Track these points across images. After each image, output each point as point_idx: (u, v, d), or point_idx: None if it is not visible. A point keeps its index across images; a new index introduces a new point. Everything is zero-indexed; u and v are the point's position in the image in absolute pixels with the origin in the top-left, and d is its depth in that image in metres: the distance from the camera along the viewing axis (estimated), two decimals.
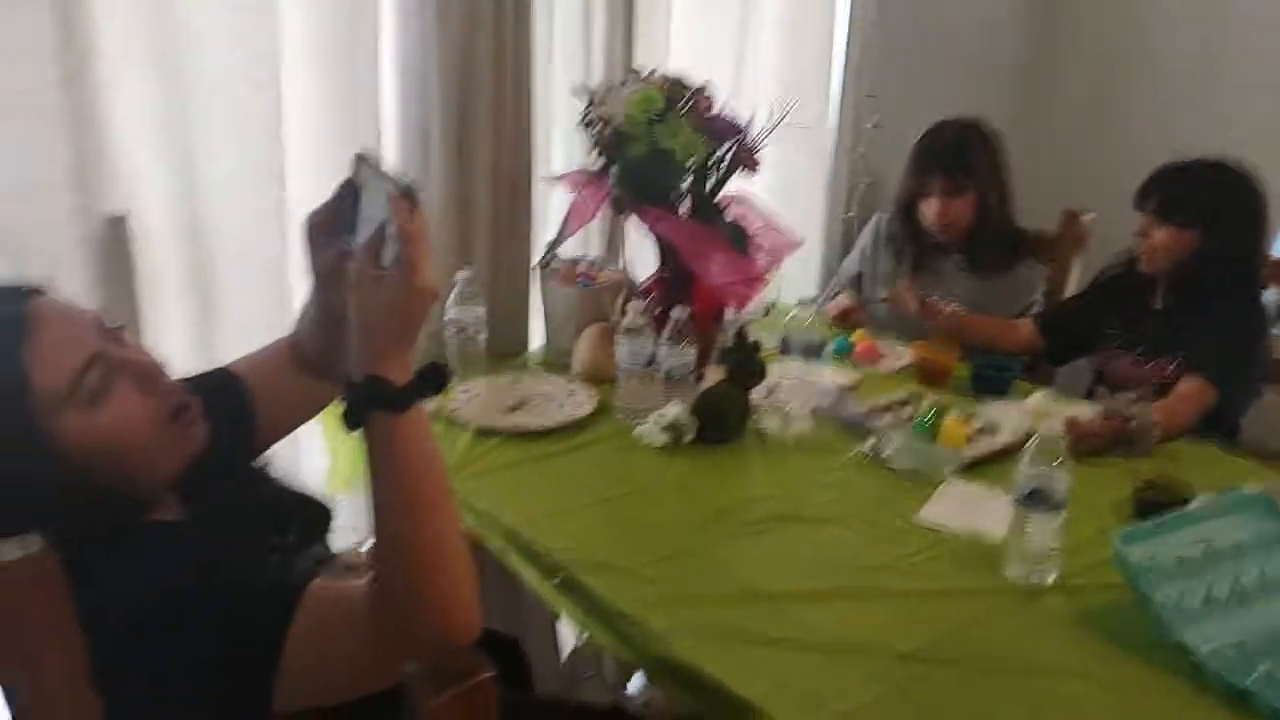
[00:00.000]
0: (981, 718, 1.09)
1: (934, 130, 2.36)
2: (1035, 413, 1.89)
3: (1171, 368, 2.02)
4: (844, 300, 2.43)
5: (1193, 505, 1.44)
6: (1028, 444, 1.36)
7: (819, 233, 2.60)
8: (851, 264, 2.55)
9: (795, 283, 2.44)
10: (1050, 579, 1.35)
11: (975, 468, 1.68)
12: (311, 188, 1.73)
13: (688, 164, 1.81)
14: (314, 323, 1.13)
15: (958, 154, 2.32)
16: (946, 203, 2.31)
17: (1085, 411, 1.81)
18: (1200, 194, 2.01)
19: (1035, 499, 1.33)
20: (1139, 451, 1.76)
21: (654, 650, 1.21)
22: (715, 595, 1.29)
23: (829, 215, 2.60)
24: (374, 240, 0.93)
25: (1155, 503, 1.47)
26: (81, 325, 0.93)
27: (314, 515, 1.14)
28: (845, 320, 2.35)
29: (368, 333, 0.92)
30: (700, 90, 1.84)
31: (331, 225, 1.06)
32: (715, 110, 1.85)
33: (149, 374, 0.95)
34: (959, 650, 1.21)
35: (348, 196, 1.03)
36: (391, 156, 1.86)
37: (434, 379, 0.94)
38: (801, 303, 1.90)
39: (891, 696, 1.12)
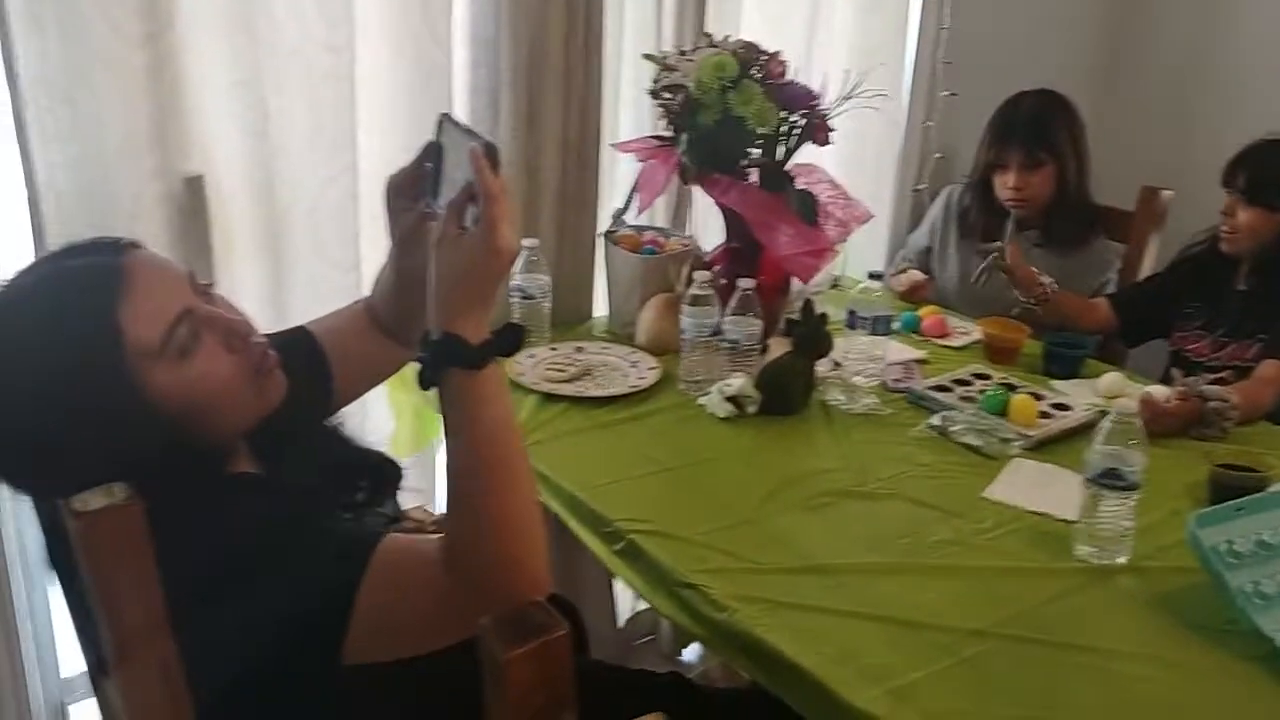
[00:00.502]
0: (1046, 695, 1.08)
1: (1012, 101, 2.30)
2: (1108, 393, 1.86)
3: (1253, 350, 1.97)
4: (914, 275, 2.39)
5: (1272, 489, 1.40)
6: (1101, 422, 1.33)
7: (888, 205, 2.56)
8: (920, 238, 2.51)
9: (863, 255, 2.41)
10: (1122, 559, 1.33)
11: (1044, 447, 1.65)
12: (381, 152, 1.75)
13: (759, 132, 1.80)
14: (390, 286, 1.15)
15: (1037, 126, 2.26)
16: (1023, 176, 2.26)
17: (1161, 391, 1.76)
18: None
19: (1109, 478, 1.30)
20: (1215, 434, 1.71)
21: (714, 618, 1.21)
22: (777, 566, 1.29)
23: (899, 187, 2.56)
24: (460, 199, 0.94)
25: (1232, 486, 1.43)
26: (174, 281, 0.95)
27: (384, 474, 1.16)
28: (914, 295, 2.32)
29: (447, 291, 0.92)
30: (774, 56, 1.82)
31: (413, 188, 1.07)
32: (788, 78, 1.83)
33: (236, 330, 0.98)
34: (1025, 628, 1.19)
35: (430, 158, 1.04)
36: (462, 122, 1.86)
37: (510, 338, 0.94)
38: (870, 275, 1.86)
39: (955, 670, 1.10)
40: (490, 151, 0.92)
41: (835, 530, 1.40)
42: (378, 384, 1.25)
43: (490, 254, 0.91)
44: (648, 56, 1.86)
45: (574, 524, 1.46)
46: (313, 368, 1.15)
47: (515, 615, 0.70)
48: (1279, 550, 1.25)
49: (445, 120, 1.01)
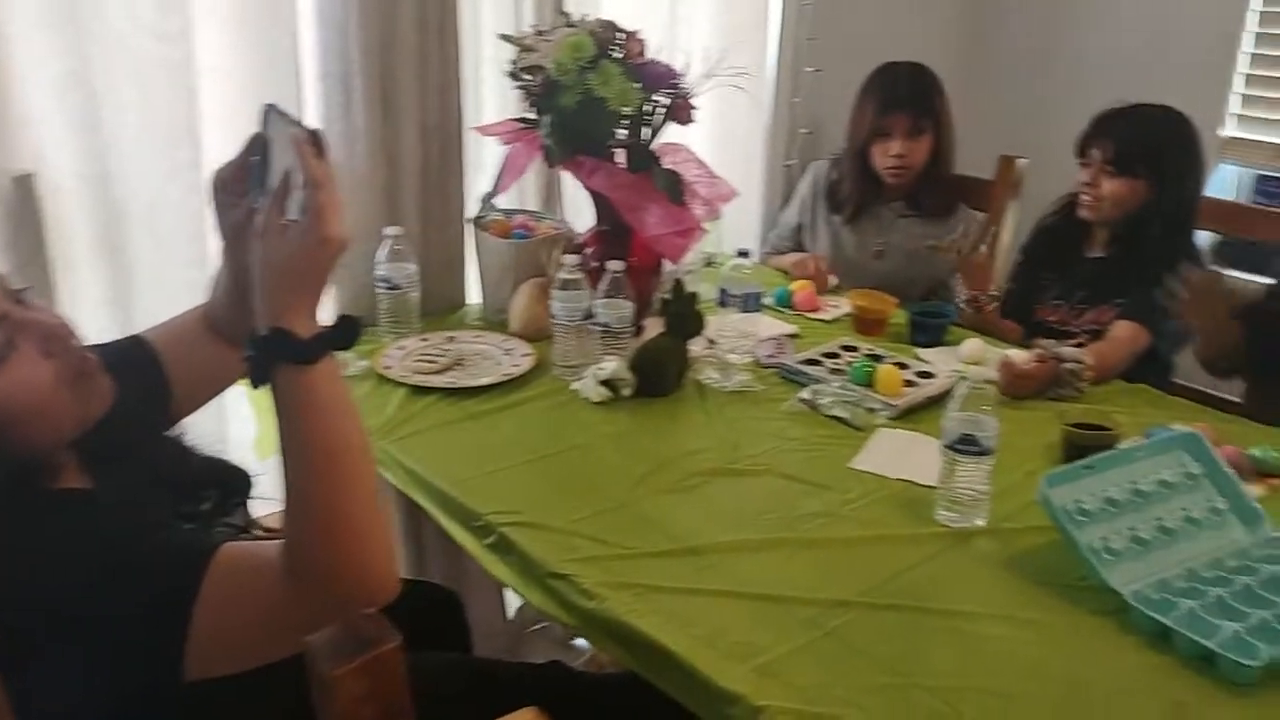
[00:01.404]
0: (907, 660, 1.10)
1: (886, 71, 2.33)
2: (969, 359, 1.91)
3: (1111, 315, 2.03)
4: (806, 259, 2.36)
5: (1121, 447, 1.45)
6: (955, 390, 1.36)
7: (759, 182, 2.58)
8: (791, 214, 2.54)
9: (737, 233, 2.42)
10: (980, 522, 1.36)
11: (910, 415, 1.69)
12: (227, 144, 1.67)
13: (622, 113, 1.78)
14: (226, 288, 1.10)
15: (920, 94, 2.30)
16: (907, 144, 2.29)
17: (1019, 355, 1.82)
18: (1154, 145, 2.01)
19: (964, 444, 1.34)
20: (1071, 394, 1.78)
21: (585, 608, 1.20)
22: (648, 550, 1.28)
23: (769, 164, 2.58)
24: (280, 188, 0.90)
25: (1084, 445, 1.49)
26: None
27: (231, 482, 1.12)
28: (811, 277, 2.26)
29: (273, 284, 0.89)
30: (633, 35, 1.80)
31: (239, 183, 1.02)
32: (648, 56, 1.82)
33: (53, 334, 0.92)
34: (889, 595, 1.21)
35: (256, 150, 1.00)
36: (313, 110, 1.80)
37: (346, 331, 0.91)
38: (739, 253, 1.87)
39: (820, 643, 1.12)
40: (314, 138, 0.89)
41: (706, 510, 1.40)
42: (221, 391, 1.19)
43: (317, 244, 0.87)
44: (504, 37, 1.82)
45: (444, 520, 1.44)
46: (148, 377, 1.10)
47: (344, 629, 0.68)
48: (1126, 506, 1.30)
49: (270, 111, 0.97)
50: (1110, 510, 1.28)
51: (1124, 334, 1.95)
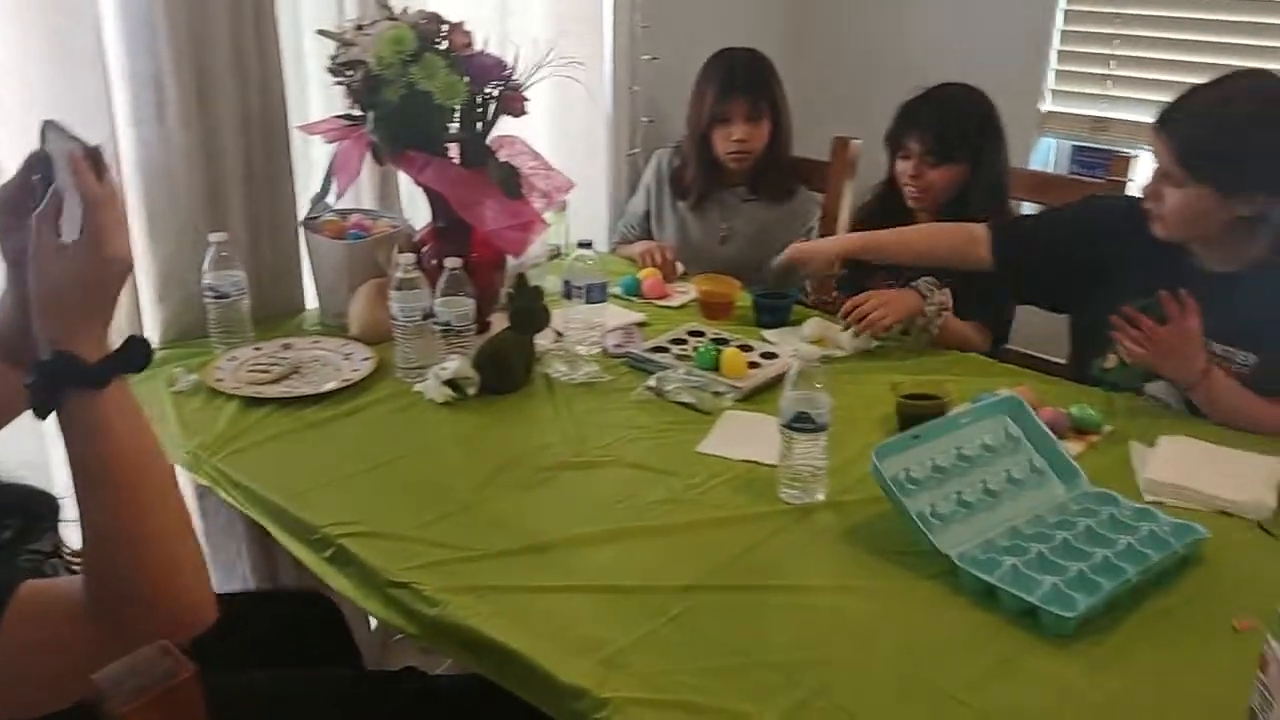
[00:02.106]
0: (748, 639, 1.11)
1: (722, 57, 2.36)
2: (811, 337, 1.95)
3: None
4: (653, 247, 2.36)
5: (950, 414, 1.51)
6: (789, 370, 1.38)
7: (604, 172, 2.57)
8: (638, 203, 2.55)
9: (585, 224, 2.41)
10: (820, 497, 1.39)
11: (756, 396, 1.72)
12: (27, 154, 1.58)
13: (450, 107, 1.75)
14: (11, 313, 1.03)
15: (758, 79, 2.33)
16: (747, 128, 2.32)
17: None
18: (966, 127, 2.09)
19: (800, 422, 1.36)
20: (923, 338, 1.90)
21: (427, 615, 1.17)
22: (493, 551, 1.27)
23: (613, 154, 2.57)
24: (50, 207, 0.85)
25: (916, 415, 1.54)
26: None
27: (36, 508, 1.05)
28: (659, 266, 2.27)
29: (54, 307, 0.84)
30: (457, 27, 1.77)
31: (22, 203, 0.96)
32: (475, 48, 1.79)
33: None
34: (733, 576, 1.23)
35: (38, 169, 0.94)
36: (123, 113, 1.70)
37: (136, 353, 0.87)
38: (580, 244, 1.87)
39: (664, 630, 1.12)
40: (92, 155, 0.85)
41: (552, 505, 1.39)
42: (11, 419, 1.12)
43: (99, 264, 0.83)
44: (322, 32, 1.76)
45: (281, 535, 1.39)
46: None
47: (132, 664, 0.64)
48: (953, 472, 1.35)
49: (48, 127, 0.92)
50: (938, 477, 1.33)
51: (967, 330, 2.02)
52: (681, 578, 1.22)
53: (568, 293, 1.84)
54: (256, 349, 1.80)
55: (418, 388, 1.69)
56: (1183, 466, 1.46)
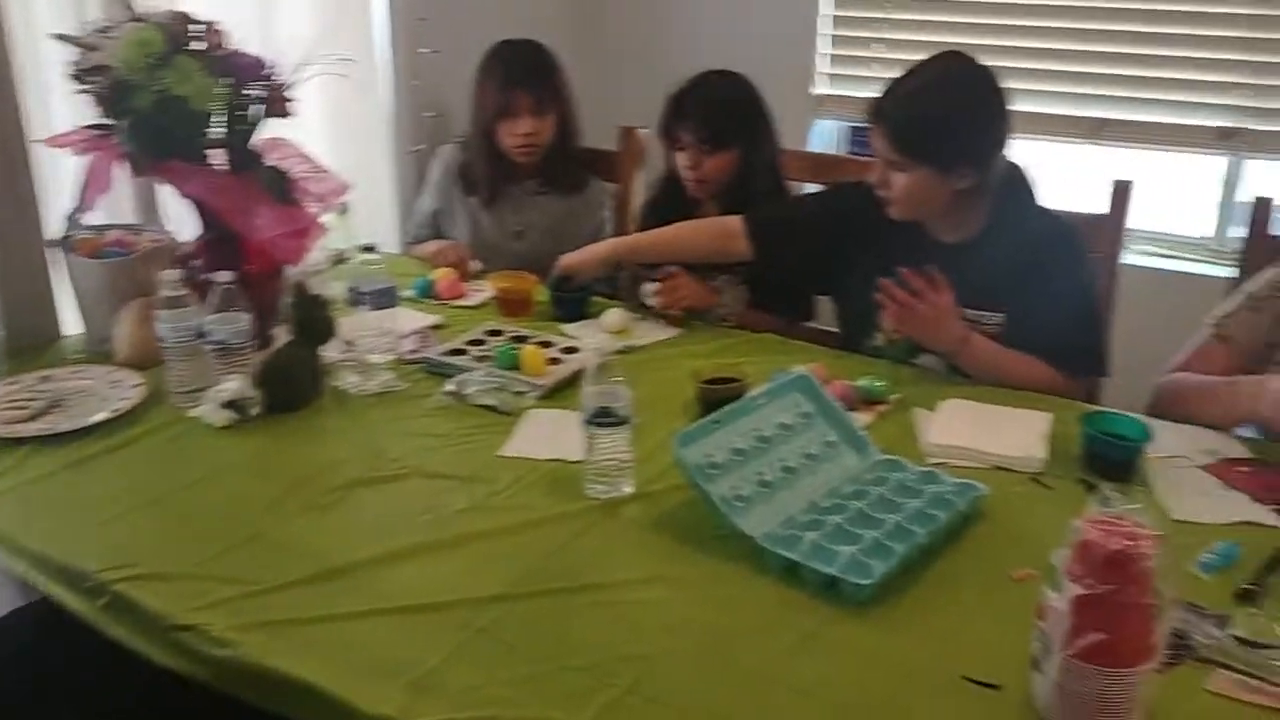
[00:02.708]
0: (559, 643, 1.09)
1: (502, 50, 2.32)
2: (612, 329, 1.95)
3: (738, 279, 2.14)
4: (446, 247, 2.31)
5: (747, 396, 1.53)
6: (588, 366, 1.37)
7: (389, 171, 2.49)
8: (427, 201, 2.48)
9: (372, 225, 2.33)
10: (628, 490, 1.39)
11: (558, 393, 1.69)
12: None
13: (208, 111, 1.64)
14: None
15: (540, 70, 2.30)
16: (534, 121, 2.29)
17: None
18: (737, 113, 2.13)
19: (601, 416, 1.35)
20: (725, 313, 2.02)
21: (217, 657, 1.09)
22: (286, 580, 1.19)
23: (396, 151, 2.49)
24: None
25: (716, 400, 1.55)
26: None
27: None
28: (453, 266, 2.22)
29: None
30: (210, 26, 1.66)
31: None
32: (230, 48, 1.68)
33: None
34: (542, 580, 1.20)
35: None
36: None
37: None
38: (363, 248, 1.79)
39: (472, 644, 1.09)
40: None
41: (348, 525, 1.33)
42: None
43: None
44: (59, 36, 1.61)
45: (51, 587, 1.26)
46: None
47: None
48: (752, 454, 1.37)
49: None
50: (738, 460, 1.35)
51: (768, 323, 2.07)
52: (489, 587, 1.18)
53: (355, 299, 1.76)
54: (11, 383, 1.65)
55: (194, 413, 1.58)
56: (961, 428, 1.54)
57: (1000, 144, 1.73)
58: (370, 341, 1.77)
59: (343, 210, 2.04)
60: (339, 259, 2.10)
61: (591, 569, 1.23)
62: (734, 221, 1.99)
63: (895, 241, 1.81)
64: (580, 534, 1.30)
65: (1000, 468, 1.46)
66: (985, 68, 1.72)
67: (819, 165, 2.33)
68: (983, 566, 1.24)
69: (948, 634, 1.11)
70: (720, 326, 1.98)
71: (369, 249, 1.79)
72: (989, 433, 1.51)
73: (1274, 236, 1.86)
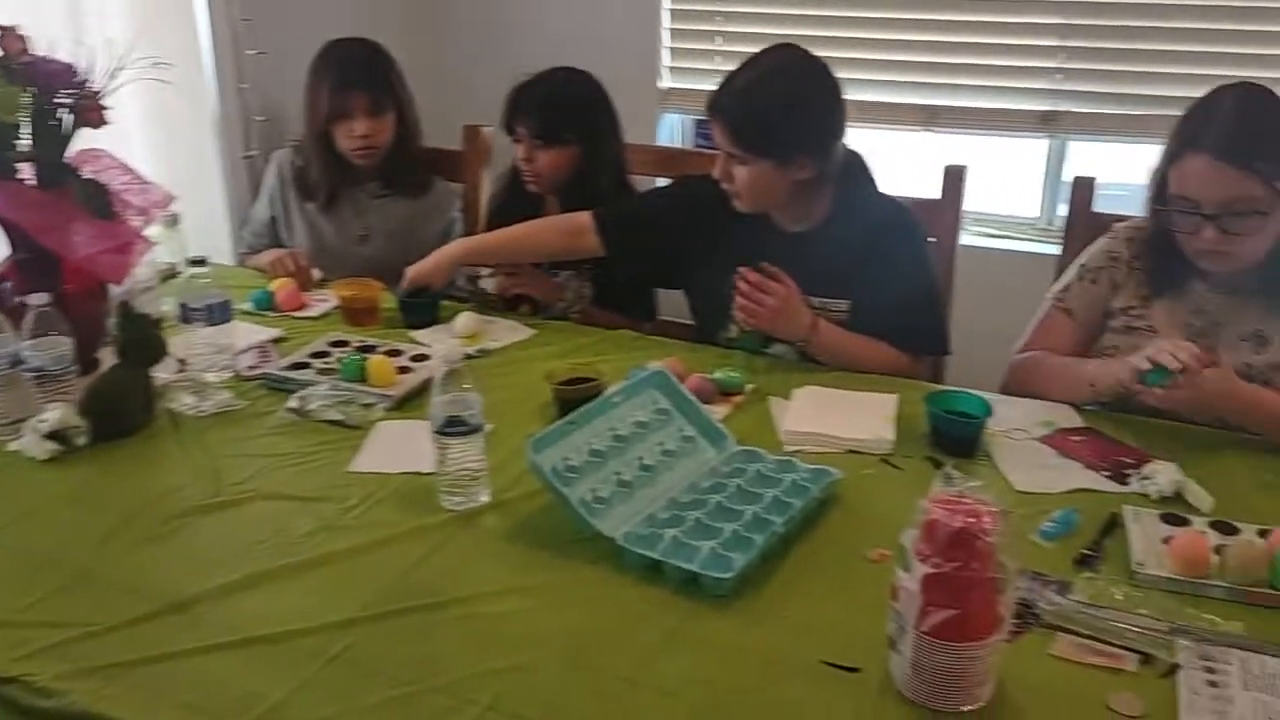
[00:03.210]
0: (420, 664, 1.05)
1: (334, 49, 2.24)
2: (464, 333, 1.91)
3: (587, 278, 2.13)
4: (283, 255, 2.20)
5: (603, 395, 1.52)
6: (435, 375, 1.33)
7: (219, 179, 2.37)
8: (262, 209, 2.37)
9: (205, 237, 2.21)
10: (484, 499, 1.36)
11: (409, 403, 1.65)
12: None
13: (12, 123, 1.52)
14: None
15: (375, 70, 2.22)
16: (371, 122, 2.21)
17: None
18: (572, 109, 2.11)
19: (452, 426, 1.32)
20: (562, 306, 2.05)
21: (45, 708, 1.01)
22: (121, 620, 1.11)
23: (227, 158, 2.38)
24: None
25: (572, 401, 1.54)
26: None
27: None
28: (292, 275, 2.12)
29: None
30: (10, 31, 1.54)
31: None
32: (35, 54, 1.57)
33: None
34: (398, 599, 1.16)
35: None
36: None
37: None
38: (193, 261, 1.70)
39: (326, 672, 1.04)
40: None
41: (187, 556, 1.25)
42: None
43: None
44: None
45: None
46: None
47: None
48: (610, 454, 1.36)
49: None
50: (596, 461, 1.34)
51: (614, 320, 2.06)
52: (342, 612, 1.13)
53: (186, 316, 1.67)
54: None
55: (13, 446, 1.48)
56: (813, 414, 1.57)
57: (837, 134, 1.77)
58: (205, 360, 1.68)
59: (171, 222, 1.94)
60: (168, 274, 1.99)
61: (450, 584, 1.19)
62: (583, 217, 1.97)
63: (742, 233, 1.83)
64: (437, 548, 1.27)
65: (852, 451, 1.49)
66: (818, 59, 1.75)
67: (666, 159, 2.34)
68: (839, 551, 1.26)
69: (807, 621, 1.13)
70: (567, 322, 1.95)
71: (199, 262, 1.69)
72: (840, 417, 1.55)
73: (1095, 213, 1.96)
